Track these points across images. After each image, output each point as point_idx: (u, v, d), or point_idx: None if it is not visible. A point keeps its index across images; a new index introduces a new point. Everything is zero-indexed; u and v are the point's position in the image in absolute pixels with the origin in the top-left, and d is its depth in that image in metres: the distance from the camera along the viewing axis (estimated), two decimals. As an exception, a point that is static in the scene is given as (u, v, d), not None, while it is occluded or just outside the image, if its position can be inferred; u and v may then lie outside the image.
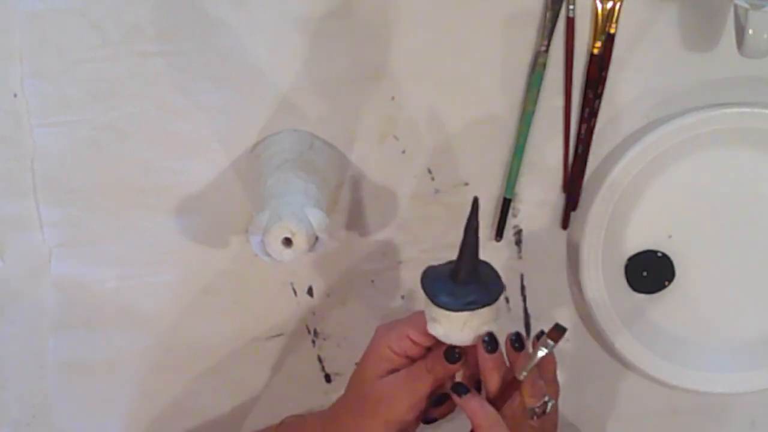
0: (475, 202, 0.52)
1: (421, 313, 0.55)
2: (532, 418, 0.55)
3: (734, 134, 0.63)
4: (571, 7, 0.61)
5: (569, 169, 0.65)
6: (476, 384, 0.57)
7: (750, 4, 0.56)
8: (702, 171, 0.65)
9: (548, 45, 0.62)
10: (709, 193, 0.66)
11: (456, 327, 0.53)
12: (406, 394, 0.56)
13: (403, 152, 0.65)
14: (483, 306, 0.53)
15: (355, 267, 0.68)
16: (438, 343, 0.55)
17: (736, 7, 0.57)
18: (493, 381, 0.55)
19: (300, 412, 0.71)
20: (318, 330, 0.69)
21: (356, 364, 0.59)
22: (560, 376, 0.71)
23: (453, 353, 0.55)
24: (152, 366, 0.69)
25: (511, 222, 0.67)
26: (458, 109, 0.64)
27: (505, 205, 0.66)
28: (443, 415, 0.58)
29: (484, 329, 0.54)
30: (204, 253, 0.66)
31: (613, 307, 0.66)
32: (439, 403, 0.58)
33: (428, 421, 0.58)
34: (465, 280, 0.53)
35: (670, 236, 0.67)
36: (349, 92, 0.63)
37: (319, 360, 0.70)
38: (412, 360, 0.57)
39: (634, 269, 0.67)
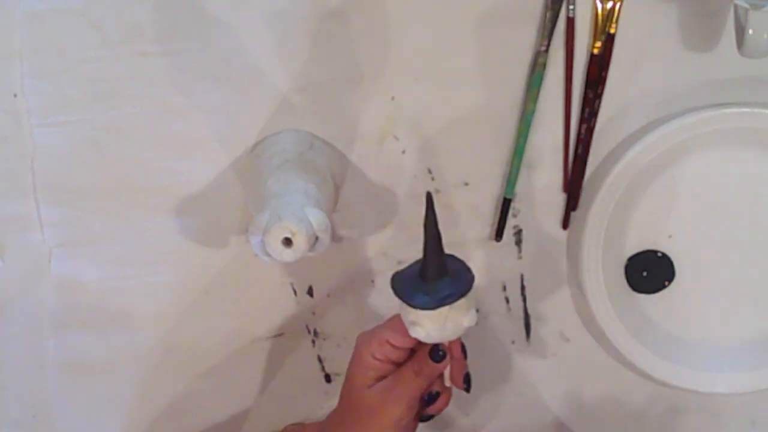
0: (429, 196, 0.52)
1: (398, 316, 0.55)
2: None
3: (734, 134, 0.63)
4: (571, 7, 0.61)
5: (569, 169, 0.65)
6: (466, 377, 0.57)
7: (750, 4, 0.55)
8: (702, 171, 0.65)
9: (548, 45, 0.62)
10: (709, 193, 0.66)
11: (438, 324, 0.53)
12: (397, 400, 0.56)
13: (403, 152, 0.65)
14: (460, 297, 0.53)
15: (355, 267, 0.68)
16: (420, 344, 0.56)
17: (736, 7, 0.57)
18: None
19: (299, 413, 0.71)
20: (318, 330, 0.69)
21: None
22: (560, 376, 0.71)
23: (437, 352, 0.55)
24: (152, 366, 0.69)
25: (511, 222, 0.67)
26: (458, 109, 0.64)
27: (505, 205, 0.66)
28: (439, 411, 0.59)
29: (465, 320, 0.54)
30: (204, 253, 0.66)
31: (613, 307, 0.66)
32: (432, 401, 0.58)
33: (424, 419, 0.59)
34: (435, 276, 0.53)
35: (670, 236, 0.67)
36: (349, 92, 0.63)
37: (319, 360, 0.70)
38: (397, 364, 0.57)
39: (634, 269, 0.67)
